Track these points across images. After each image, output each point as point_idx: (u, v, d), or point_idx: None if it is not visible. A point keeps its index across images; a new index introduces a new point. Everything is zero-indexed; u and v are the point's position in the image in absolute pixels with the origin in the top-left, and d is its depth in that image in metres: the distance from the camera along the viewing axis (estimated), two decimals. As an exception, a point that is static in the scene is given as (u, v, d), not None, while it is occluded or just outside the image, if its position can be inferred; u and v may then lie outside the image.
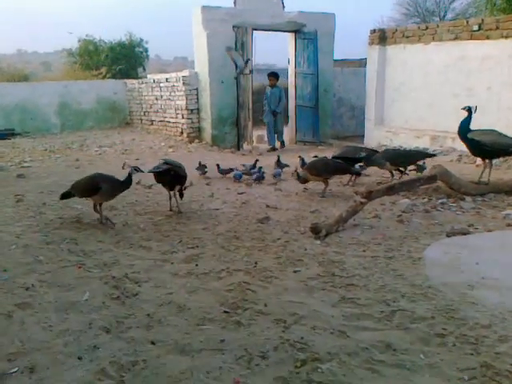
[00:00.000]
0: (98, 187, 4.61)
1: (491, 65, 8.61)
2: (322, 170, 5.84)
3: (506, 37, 8.31)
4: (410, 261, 3.71)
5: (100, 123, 13.49)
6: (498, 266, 3.52)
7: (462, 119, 6.15)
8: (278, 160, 5.73)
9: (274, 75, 11.00)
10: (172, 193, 5.20)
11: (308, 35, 10.96)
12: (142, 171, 4.92)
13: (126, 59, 20.06)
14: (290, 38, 11.32)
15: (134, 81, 13.90)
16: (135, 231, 4.58)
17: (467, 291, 3.13)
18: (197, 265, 3.70)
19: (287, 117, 11.70)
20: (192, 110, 10.84)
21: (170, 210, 5.24)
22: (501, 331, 2.62)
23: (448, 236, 4.28)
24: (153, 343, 2.59)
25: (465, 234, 4.32)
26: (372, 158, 6.22)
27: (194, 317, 2.86)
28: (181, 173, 5.17)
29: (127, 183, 4.79)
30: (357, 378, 2.26)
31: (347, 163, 6.21)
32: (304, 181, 5.98)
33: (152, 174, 5.22)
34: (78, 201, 5.67)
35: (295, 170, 6.25)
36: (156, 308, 2.99)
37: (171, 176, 5.06)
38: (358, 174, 6.27)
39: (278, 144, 10.94)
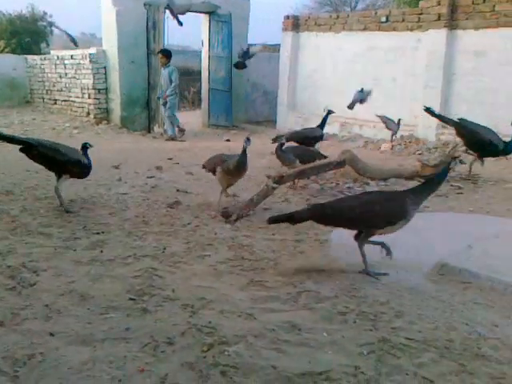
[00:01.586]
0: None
1: (397, 56, 9.07)
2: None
3: (411, 29, 8.77)
4: (317, 243, 3.83)
5: (-4, 101, 12.44)
6: (396, 246, 3.72)
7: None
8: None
9: (163, 52, 9.51)
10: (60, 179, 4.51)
11: (222, 17, 10.86)
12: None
13: (27, 33, 18.65)
14: (204, 19, 11.15)
15: (36, 57, 12.98)
16: (34, 217, 4.28)
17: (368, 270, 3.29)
18: (102, 251, 3.54)
19: (200, 100, 11.53)
20: (99, 90, 10.34)
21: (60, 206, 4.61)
22: (397, 307, 2.78)
23: (353, 218, 4.46)
24: (51, 335, 2.43)
25: (368, 216, 4.53)
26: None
27: (98, 305, 2.73)
28: (57, 157, 4.40)
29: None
30: (263, 358, 2.28)
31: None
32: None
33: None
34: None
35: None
36: (56, 298, 2.82)
37: (33, 155, 4.38)
38: None
39: (176, 130, 9.76)
